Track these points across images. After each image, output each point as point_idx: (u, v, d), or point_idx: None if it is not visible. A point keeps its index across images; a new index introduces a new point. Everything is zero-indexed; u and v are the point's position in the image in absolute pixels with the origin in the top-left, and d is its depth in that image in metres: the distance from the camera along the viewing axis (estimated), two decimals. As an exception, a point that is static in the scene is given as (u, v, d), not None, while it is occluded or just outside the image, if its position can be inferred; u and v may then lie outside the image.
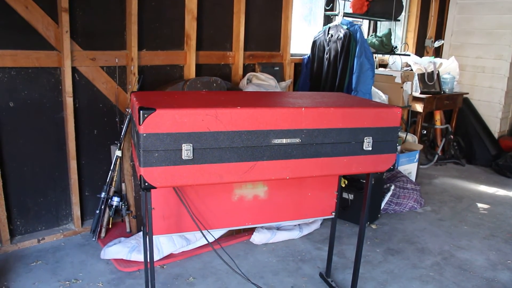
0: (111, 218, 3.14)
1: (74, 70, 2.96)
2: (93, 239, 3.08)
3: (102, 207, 3.06)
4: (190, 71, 3.52)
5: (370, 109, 1.98)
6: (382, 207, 3.75)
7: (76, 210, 3.17)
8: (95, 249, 2.98)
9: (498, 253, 3.22)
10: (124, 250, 2.78)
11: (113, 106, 3.22)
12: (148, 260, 2.07)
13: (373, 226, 3.56)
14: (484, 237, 3.47)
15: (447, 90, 5.33)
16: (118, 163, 3.09)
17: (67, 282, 2.60)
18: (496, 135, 5.67)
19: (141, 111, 1.62)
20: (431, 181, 4.81)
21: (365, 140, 1.97)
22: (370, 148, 1.99)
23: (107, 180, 3.08)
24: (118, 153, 3.05)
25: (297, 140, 1.84)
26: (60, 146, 3.04)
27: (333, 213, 2.57)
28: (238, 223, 2.41)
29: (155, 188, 1.71)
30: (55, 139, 3.02)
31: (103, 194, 3.06)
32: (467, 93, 5.75)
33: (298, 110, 1.82)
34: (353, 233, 3.42)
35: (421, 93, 5.03)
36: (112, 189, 3.10)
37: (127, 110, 3.13)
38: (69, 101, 2.95)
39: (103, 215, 3.09)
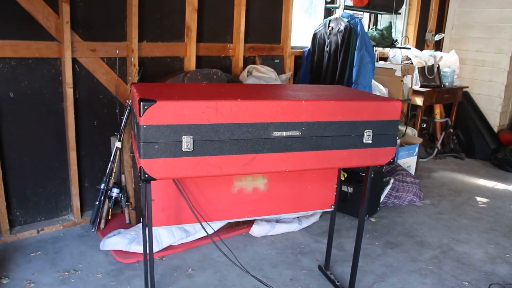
0: (110, 210, 3.14)
1: (74, 61, 2.95)
2: (93, 230, 3.09)
3: (102, 198, 3.07)
4: (191, 63, 3.51)
5: (370, 102, 1.97)
6: (381, 200, 3.76)
7: (76, 201, 3.17)
8: (94, 240, 2.99)
9: (497, 246, 3.23)
10: (124, 241, 2.78)
11: (113, 97, 3.21)
12: (147, 252, 2.08)
13: (372, 219, 3.57)
14: (483, 231, 3.48)
15: (447, 83, 5.33)
16: (118, 154, 3.09)
17: (66, 273, 2.60)
18: (495, 129, 5.67)
19: (141, 103, 1.62)
20: (431, 175, 4.82)
21: (365, 133, 1.97)
22: (370, 141, 1.99)
23: (107, 172, 3.08)
24: (118, 144, 3.05)
25: (297, 133, 1.84)
26: (60, 137, 3.04)
27: (332, 206, 2.57)
28: (237, 215, 2.41)
29: (155, 180, 1.72)
30: (55, 130, 3.02)
31: (102, 185, 3.07)
32: (467, 87, 5.74)
33: (298, 102, 1.82)
34: (352, 226, 3.43)
35: (421, 86, 5.02)
36: (112, 180, 3.10)
37: (127, 101, 3.12)
38: (69, 92, 2.94)
39: (103, 206, 3.10)
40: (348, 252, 3.02)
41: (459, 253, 3.10)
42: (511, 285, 2.72)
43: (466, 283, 2.74)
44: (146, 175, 1.70)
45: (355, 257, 2.40)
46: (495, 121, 5.70)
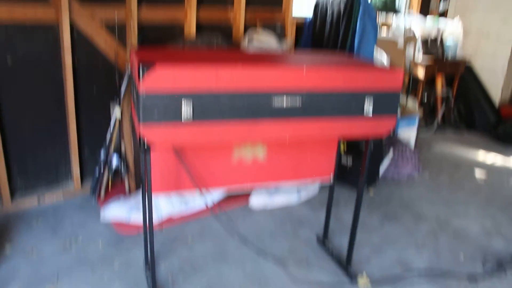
0: (110, 178, 3.14)
1: (72, 26, 2.88)
2: (93, 199, 3.09)
3: (102, 166, 3.06)
4: (191, 29, 3.43)
5: (372, 72, 1.95)
6: (380, 173, 3.76)
7: (76, 170, 3.16)
8: (94, 209, 3.00)
9: (493, 221, 3.24)
10: (124, 210, 2.79)
11: (112, 63, 3.15)
12: (147, 219, 2.07)
13: (371, 192, 3.58)
14: (480, 205, 3.48)
15: (449, 56, 5.26)
16: (117, 122, 3.06)
17: (68, 242, 2.62)
18: (497, 103, 5.62)
19: (141, 67, 1.58)
20: (430, 148, 4.81)
21: (365, 102, 1.95)
22: (371, 111, 1.96)
23: (107, 140, 3.06)
24: (118, 112, 3.02)
25: (298, 102, 1.82)
26: (59, 104, 3.01)
27: (331, 175, 2.56)
28: (236, 184, 2.41)
29: (154, 147, 1.70)
30: (54, 97, 2.98)
31: (102, 154, 3.06)
32: (470, 60, 5.66)
33: (299, 71, 1.79)
34: (351, 198, 3.43)
35: (424, 53, 4.95)
36: (112, 148, 3.08)
37: (127, 67, 3.07)
38: (67, 58, 2.88)
39: (103, 175, 3.09)
40: (346, 224, 3.02)
41: (456, 227, 3.11)
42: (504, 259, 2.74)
43: (462, 255, 2.75)
44: (145, 143, 1.68)
45: (353, 229, 2.41)
46: (497, 94, 5.64)
